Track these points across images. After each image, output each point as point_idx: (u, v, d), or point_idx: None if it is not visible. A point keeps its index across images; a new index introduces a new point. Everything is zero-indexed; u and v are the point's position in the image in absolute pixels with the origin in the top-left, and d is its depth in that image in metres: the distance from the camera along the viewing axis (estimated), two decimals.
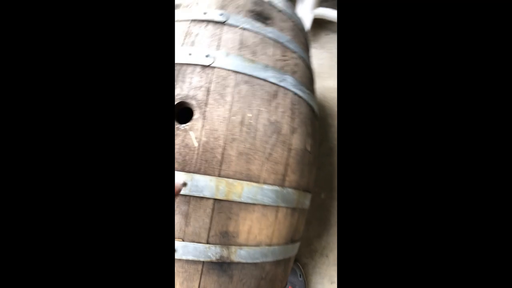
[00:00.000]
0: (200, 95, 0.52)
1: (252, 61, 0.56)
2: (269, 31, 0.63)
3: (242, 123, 0.51)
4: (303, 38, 0.76)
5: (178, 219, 0.48)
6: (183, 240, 0.48)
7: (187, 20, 0.60)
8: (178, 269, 0.48)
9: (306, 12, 1.29)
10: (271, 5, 0.68)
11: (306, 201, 0.65)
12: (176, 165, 0.48)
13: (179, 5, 0.65)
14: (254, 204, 0.51)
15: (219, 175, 0.49)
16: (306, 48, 0.77)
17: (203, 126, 0.50)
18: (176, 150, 0.49)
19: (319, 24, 1.38)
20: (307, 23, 1.31)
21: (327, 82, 1.27)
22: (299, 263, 0.97)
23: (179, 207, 0.48)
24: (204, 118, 0.50)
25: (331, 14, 1.22)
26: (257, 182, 0.51)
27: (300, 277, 0.94)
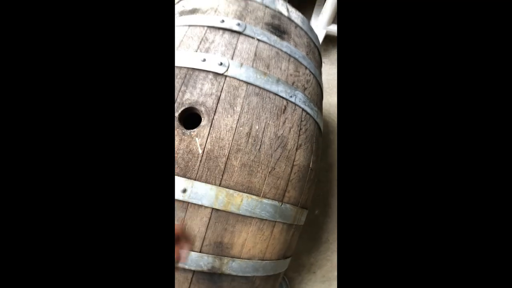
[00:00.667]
0: (210, 102, 0.51)
1: (265, 74, 0.57)
2: (285, 45, 0.63)
3: (248, 134, 0.51)
4: (317, 55, 0.77)
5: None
6: None
7: (204, 26, 0.61)
8: None
9: (320, 28, 1.31)
10: (289, 19, 0.69)
11: (302, 218, 0.65)
12: (177, 170, 0.48)
13: (197, 10, 0.66)
14: (251, 217, 0.51)
15: (220, 185, 0.49)
16: (319, 65, 0.78)
17: (209, 133, 0.50)
18: (179, 155, 0.48)
19: (331, 40, 1.40)
20: (320, 38, 1.32)
21: (332, 98, 1.28)
22: (285, 277, 0.96)
23: (177, 213, 0.47)
24: (211, 125, 0.50)
25: None
26: (257, 195, 0.51)
27: None
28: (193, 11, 0.66)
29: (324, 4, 1.35)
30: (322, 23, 1.29)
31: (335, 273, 0.98)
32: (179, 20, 0.64)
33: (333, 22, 1.27)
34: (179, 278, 0.47)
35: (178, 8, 0.71)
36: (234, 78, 0.54)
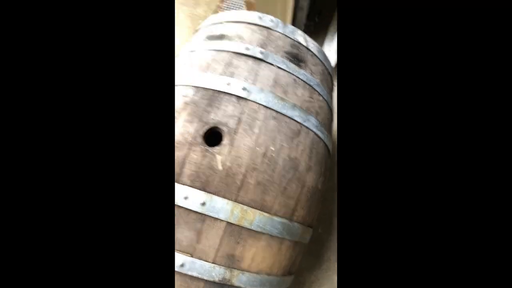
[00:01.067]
0: (232, 123, 0.56)
1: (283, 99, 0.61)
2: (301, 73, 0.68)
3: (264, 155, 0.56)
4: (330, 81, 0.82)
5: (190, 235, 0.51)
6: (191, 256, 0.51)
7: (230, 52, 0.66)
8: (181, 283, 0.51)
9: (332, 53, 1.37)
10: (307, 49, 0.74)
11: (308, 236, 0.68)
12: (198, 184, 0.52)
13: (224, 36, 0.71)
14: (262, 233, 0.54)
15: (236, 200, 0.53)
16: (330, 91, 0.83)
17: (229, 152, 0.54)
18: (200, 170, 0.53)
19: None
20: (332, 64, 1.38)
21: None
22: None
23: (194, 224, 0.51)
24: (231, 145, 0.55)
25: None
26: (269, 212, 0.55)
27: None
28: (221, 37, 0.72)
29: (337, 30, 1.42)
30: (335, 48, 1.35)
31: None
32: (208, 44, 0.70)
33: None
34: (191, 286, 0.51)
35: (206, 32, 0.77)
36: (255, 102, 0.59)
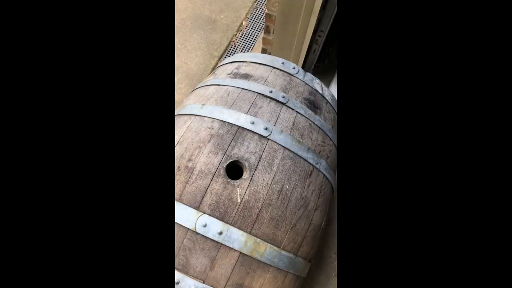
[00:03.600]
0: (253, 159, 0.62)
1: (299, 142, 0.68)
2: (317, 119, 0.75)
3: (280, 192, 0.61)
4: None
5: (205, 262, 0.55)
6: (203, 282, 0.54)
7: (255, 92, 0.73)
8: None
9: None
10: (322, 96, 0.83)
11: (307, 270, 0.72)
12: (217, 214, 0.56)
13: (250, 76, 0.79)
14: (270, 265, 0.58)
15: (250, 233, 0.57)
16: None
17: (248, 186, 0.59)
18: (220, 201, 0.57)
19: None
20: None
21: None
22: None
23: (210, 251, 0.55)
24: (251, 179, 0.60)
25: None
26: (278, 246, 0.59)
27: None
28: (246, 76, 0.79)
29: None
30: None
31: None
32: (234, 82, 0.77)
33: None
34: None
35: (231, 67, 0.84)
36: (275, 142, 0.65)
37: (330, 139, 0.78)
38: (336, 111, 0.87)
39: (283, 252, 0.59)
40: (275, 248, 0.58)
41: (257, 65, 0.82)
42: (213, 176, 0.59)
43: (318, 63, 1.51)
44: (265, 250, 0.57)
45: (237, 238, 0.55)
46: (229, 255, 0.55)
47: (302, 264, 0.65)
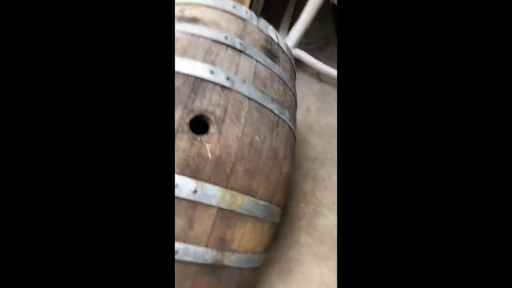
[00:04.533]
0: (218, 112, 0.57)
1: (263, 92, 0.65)
2: (276, 68, 0.73)
3: (251, 144, 0.59)
4: (294, 79, 0.90)
5: (182, 223, 0.51)
6: (184, 243, 0.51)
7: (208, 39, 0.66)
8: (175, 269, 0.51)
9: None
10: (278, 45, 0.80)
11: (279, 217, 0.75)
12: (188, 172, 0.52)
13: (198, 20, 0.70)
14: (249, 216, 0.58)
15: (227, 187, 0.55)
16: (295, 87, 0.91)
17: (218, 140, 0.55)
18: (190, 158, 0.53)
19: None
20: None
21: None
22: None
23: (186, 212, 0.52)
24: (220, 133, 0.56)
25: (306, 57, 1.43)
26: (255, 197, 0.59)
27: None
28: (194, 20, 0.70)
29: (288, 28, 1.52)
30: (290, 44, 1.45)
31: (290, 265, 1.12)
32: (181, 26, 0.67)
33: (297, 47, 1.45)
34: (185, 271, 0.51)
35: (175, 11, 0.73)
36: (239, 93, 0.61)
37: (290, 89, 0.78)
38: (291, 61, 0.86)
39: (260, 202, 0.60)
40: (252, 198, 0.58)
41: (204, 7, 0.73)
42: (176, 133, 0.53)
43: (262, 15, 1.45)
44: (243, 202, 0.57)
45: (213, 194, 0.53)
46: (208, 212, 0.53)
47: (276, 211, 0.67)
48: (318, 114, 1.47)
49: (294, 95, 0.81)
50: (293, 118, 0.77)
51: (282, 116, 0.69)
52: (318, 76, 1.59)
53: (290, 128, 0.73)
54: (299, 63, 1.54)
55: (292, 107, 0.78)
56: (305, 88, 1.53)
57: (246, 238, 0.59)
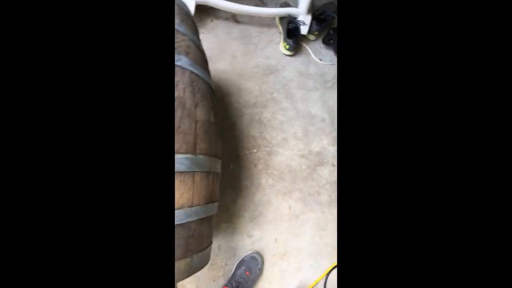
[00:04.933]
0: None
1: None
2: None
3: None
4: (191, 22, 0.82)
5: None
6: None
7: None
8: None
9: (189, 0, 1.33)
10: None
11: (218, 166, 0.75)
12: None
13: None
14: (177, 171, 0.57)
15: None
16: (195, 32, 0.84)
17: None
18: None
19: (205, 10, 1.45)
20: (191, 9, 1.35)
21: (218, 65, 1.38)
22: (259, 253, 1.10)
23: None
24: None
25: (213, 1, 1.31)
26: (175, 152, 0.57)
27: (259, 270, 1.06)
28: None
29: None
30: None
31: (260, 209, 1.18)
32: None
33: None
34: None
35: None
36: None
37: (183, 34, 0.71)
38: (180, 5, 0.78)
39: (178, 155, 0.58)
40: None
41: None
42: None
43: None
44: None
45: None
46: None
47: (206, 160, 0.66)
48: (245, 57, 1.42)
49: (192, 40, 0.75)
50: (198, 62, 0.72)
51: (179, 63, 0.64)
52: (235, 18, 1.50)
53: (196, 74, 0.68)
54: (211, 10, 1.43)
55: (193, 52, 0.72)
56: (225, 35, 1.44)
57: (177, 194, 0.58)
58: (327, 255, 1.18)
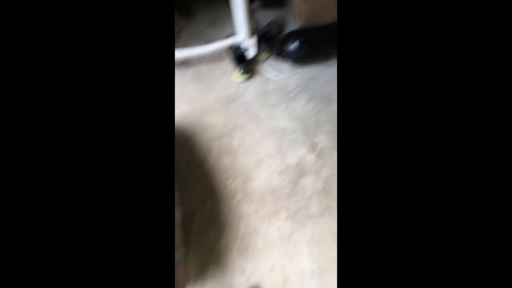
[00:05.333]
0: None
1: None
2: None
3: None
4: None
5: None
6: None
7: None
8: None
9: None
10: None
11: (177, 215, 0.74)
12: None
13: None
14: None
15: None
16: None
17: None
18: None
19: None
20: None
21: (179, 109, 1.44)
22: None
23: None
24: None
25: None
26: None
27: None
28: None
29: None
30: None
31: (247, 240, 1.12)
32: None
33: None
34: None
35: None
36: None
37: None
38: None
39: None
40: None
41: None
42: None
43: None
44: None
45: None
46: None
47: None
48: (203, 95, 1.47)
49: None
50: None
51: None
52: (185, 63, 1.58)
53: None
54: None
55: None
56: (179, 81, 1.51)
57: None
58: (332, 270, 1.08)
